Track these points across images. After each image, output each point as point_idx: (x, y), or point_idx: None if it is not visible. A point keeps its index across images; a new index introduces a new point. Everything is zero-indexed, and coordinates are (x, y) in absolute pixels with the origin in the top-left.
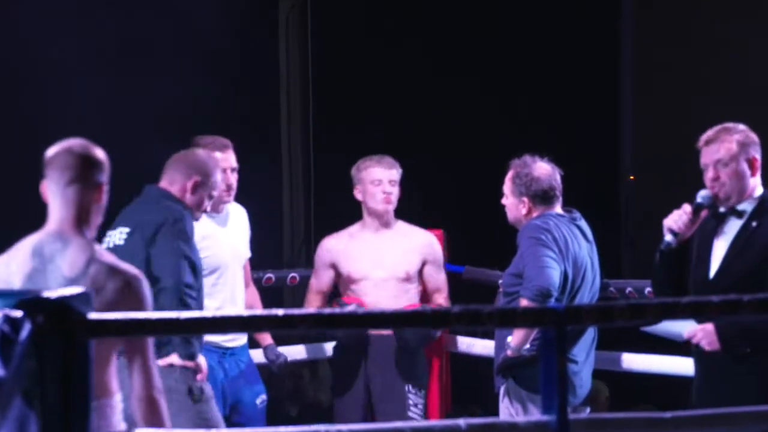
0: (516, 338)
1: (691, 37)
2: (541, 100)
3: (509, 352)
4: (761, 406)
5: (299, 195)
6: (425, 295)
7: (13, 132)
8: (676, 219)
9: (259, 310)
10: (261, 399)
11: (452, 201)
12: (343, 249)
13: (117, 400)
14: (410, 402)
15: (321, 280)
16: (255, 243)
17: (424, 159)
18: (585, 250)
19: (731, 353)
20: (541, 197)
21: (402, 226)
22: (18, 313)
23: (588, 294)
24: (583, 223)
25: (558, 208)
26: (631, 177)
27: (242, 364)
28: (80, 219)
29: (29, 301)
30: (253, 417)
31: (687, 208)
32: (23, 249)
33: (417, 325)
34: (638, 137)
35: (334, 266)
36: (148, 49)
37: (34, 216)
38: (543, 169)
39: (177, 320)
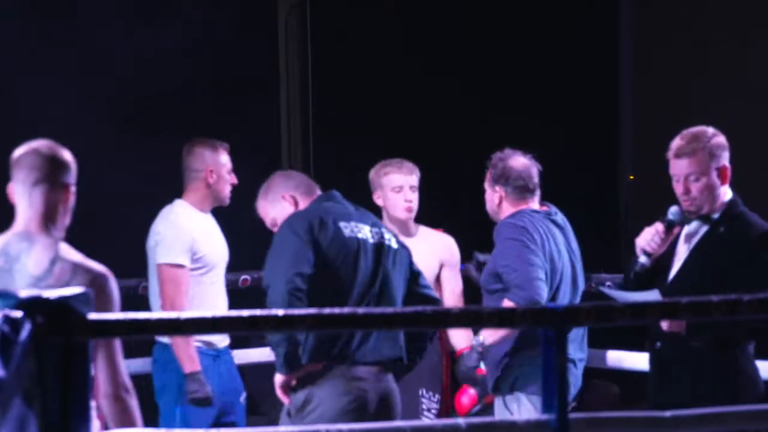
0: (489, 336)
1: (692, 36)
2: (542, 100)
3: (479, 348)
4: (761, 406)
5: None
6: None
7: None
8: (648, 240)
9: (259, 310)
10: (243, 397)
11: (452, 200)
12: None
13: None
14: (423, 406)
15: None
16: (256, 244)
17: (424, 159)
18: (563, 246)
19: (691, 341)
20: (513, 188)
21: (422, 231)
22: (18, 314)
23: (570, 292)
24: (560, 218)
25: (534, 204)
26: (631, 177)
27: (229, 364)
28: (47, 219)
29: (29, 301)
30: (241, 415)
31: (659, 227)
32: None
33: (418, 326)
34: (638, 137)
35: None
36: (149, 49)
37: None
38: (519, 161)
39: (177, 320)
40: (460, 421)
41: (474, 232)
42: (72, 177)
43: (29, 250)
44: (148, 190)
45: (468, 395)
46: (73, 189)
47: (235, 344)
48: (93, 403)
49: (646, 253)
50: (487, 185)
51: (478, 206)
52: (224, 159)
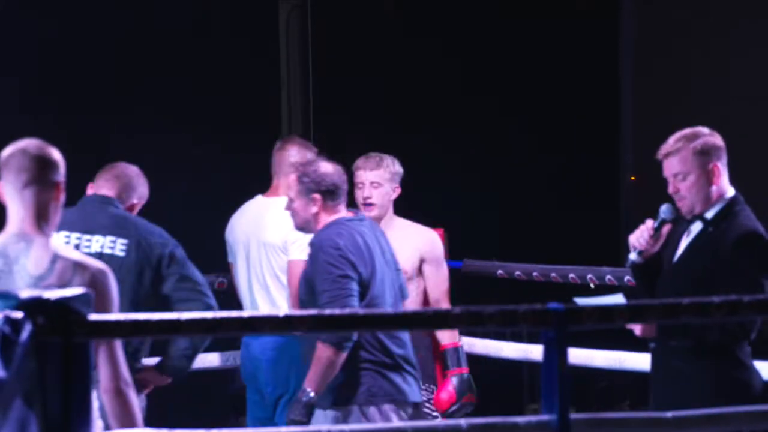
0: (313, 383)
1: (692, 36)
2: (542, 100)
3: (304, 399)
4: (761, 406)
5: None
6: (427, 294)
7: None
8: (638, 236)
9: (259, 312)
10: None
11: (451, 197)
12: None
13: (92, 396)
14: (423, 398)
15: None
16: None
17: (425, 157)
18: (378, 249)
19: (665, 345)
20: (332, 193)
21: (401, 224)
22: (18, 314)
23: (390, 293)
24: (368, 223)
25: (344, 210)
26: (632, 177)
27: None
28: (40, 218)
29: (30, 302)
30: None
31: (649, 224)
32: None
33: (418, 327)
34: (639, 137)
35: None
36: (149, 49)
37: None
38: (329, 167)
39: (177, 321)
40: (462, 421)
41: (475, 229)
42: (61, 174)
43: (27, 251)
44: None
45: (447, 392)
46: (62, 186)
47: (228, 345)
48: (96, 403)
49: (636, 249)
50: (297, 197)
51: (478, 206)
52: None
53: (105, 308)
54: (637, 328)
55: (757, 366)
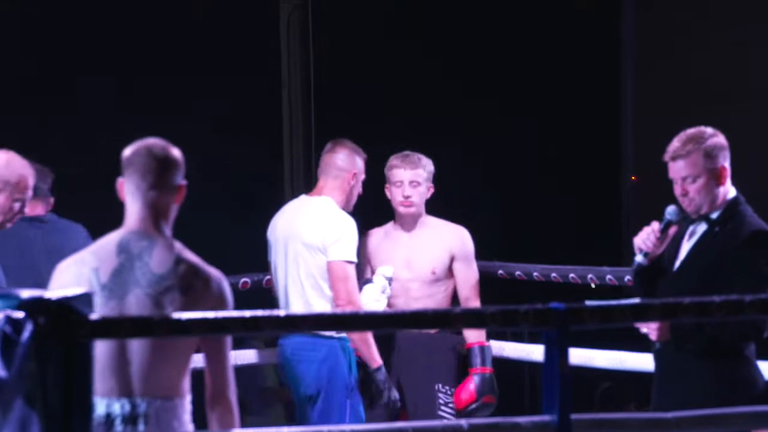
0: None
1: (693, 36)
2: (543, 100)
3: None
4: (761, 407)
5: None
6: (456, 292)
7: None
8: (645, 238)
9: (261, 311)
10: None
11: (451, 197)
12: (377, 246)
13: (188, 401)
14: (440, 401)
15: (363, 274)
16: (259, 244)
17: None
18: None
19: (680, 348)
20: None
21: (432, 223)
22: (20, 314)
23: None
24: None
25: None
26: (633, 177)
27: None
28: (161, 219)
29: (31, 302)
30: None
31: (655, 226)
32: (106, 246)
33: (419, 327)
34: (640, 138)
35: (369, 261)
36: (150, 49)
37: None
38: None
39: (178, 321)
40: (463, 421)
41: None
42: (182, 176)
43: (150, 249)
44: None
45: (467, 391)
46: (184, 188)
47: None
48: (168, 403)
49: (643, 252)
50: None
51: (479, 206)
52: (363, 166)
53: None
54: (653, 333)
55: (760, 367)
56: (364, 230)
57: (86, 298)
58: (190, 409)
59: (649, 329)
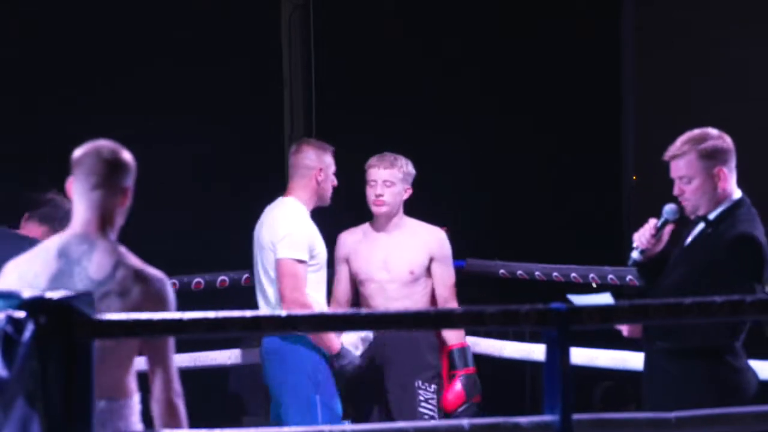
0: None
1: (693, 37)
2: (544, 100)
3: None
4: (761, 407)
5: None
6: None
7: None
8: (641, 235)
9: (262, 312)
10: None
11: (452, 197)
12: (355, 246)
13: (136, 401)
14: (420, 398)
15: (339, 275)
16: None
17: (427, 156)
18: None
19: (648, 345)
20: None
21: (410, 224)
22: (21, 314)
23: None
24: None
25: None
26: (634, 177)
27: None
28: (105, 222)
29: (32, 302)
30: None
31: (652, 223)
32: (48, 249)
33: (420, 327)
34: (641, 137)
35: (347, 261)
36: (150, 49)
37: None
38: None
39: (179, 321)
40: (463, 421)
41: (477, 228)
42: (131, 180)
43: (90, 254)
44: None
45: (454, 392)
46: (131, 192)
47: (225, 344)
48: (114, 404)
49: (639, 248)
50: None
51: (480, 205)
52: (331, 160)
53: None
54: (624, 329)
55: (756, 366)
56: (345, 229)
57: (87, 298)
58: (139, 409)
59: (621, 326)
